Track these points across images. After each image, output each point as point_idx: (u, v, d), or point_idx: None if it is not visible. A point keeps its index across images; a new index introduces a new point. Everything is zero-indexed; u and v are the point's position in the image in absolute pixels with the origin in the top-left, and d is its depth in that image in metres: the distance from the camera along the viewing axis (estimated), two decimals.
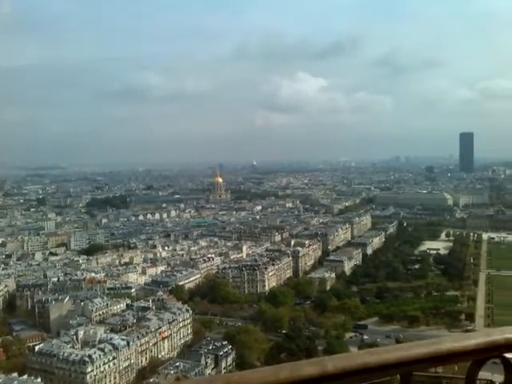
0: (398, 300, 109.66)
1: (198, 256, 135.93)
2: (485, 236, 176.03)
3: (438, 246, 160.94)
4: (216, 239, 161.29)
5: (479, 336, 2.55)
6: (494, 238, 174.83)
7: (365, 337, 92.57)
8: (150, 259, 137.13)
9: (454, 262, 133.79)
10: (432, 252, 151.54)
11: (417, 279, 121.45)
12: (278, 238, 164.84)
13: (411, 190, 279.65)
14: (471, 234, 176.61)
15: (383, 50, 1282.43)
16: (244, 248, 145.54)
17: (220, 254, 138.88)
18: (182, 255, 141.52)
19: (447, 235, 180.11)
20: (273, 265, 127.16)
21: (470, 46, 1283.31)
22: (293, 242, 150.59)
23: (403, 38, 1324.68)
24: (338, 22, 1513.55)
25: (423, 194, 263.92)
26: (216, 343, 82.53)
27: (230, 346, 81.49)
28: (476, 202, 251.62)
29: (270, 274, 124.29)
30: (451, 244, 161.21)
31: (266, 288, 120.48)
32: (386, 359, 2.28)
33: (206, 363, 76.33)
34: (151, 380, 66.62)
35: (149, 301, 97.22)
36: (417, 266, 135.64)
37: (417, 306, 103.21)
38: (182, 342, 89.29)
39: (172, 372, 70.02)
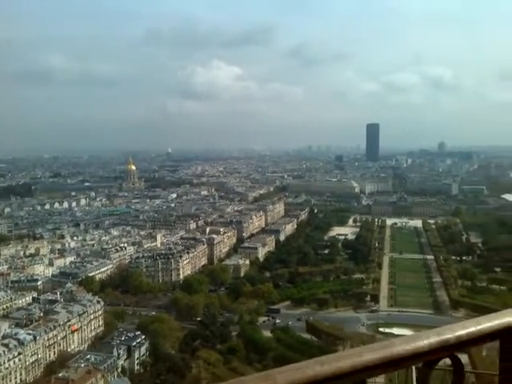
0: (309, 284, 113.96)
1: (110, 246, 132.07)
2: (388, 221, 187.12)
3: (346, 231, 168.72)
4: (129, 228, 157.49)
5: (431, 336, 2.47)
6: (396, 224, 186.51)
7: (277, 320, 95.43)
8: (58, 250, 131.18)
9: (361, 246, 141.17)
10: (340, 237, 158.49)
11: (326, 263, 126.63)
12: (193, 225, 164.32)
13: (322, 179, 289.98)
14: (376, 220, 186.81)
15: (295, 41, 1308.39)
16: (158, 237, 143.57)
17: (133, 244, 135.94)
18: (93, 245, 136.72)
19: (354, 221, 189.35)
20: (187, 253, 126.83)
21: (375, 42, 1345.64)
22: (208, 230, 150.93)
23: (314, 31, 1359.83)
24: (251, 11, 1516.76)
25: (333, 182, 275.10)
26: (129, 334, 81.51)
27: (143, 336, 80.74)
28: (381, 190, 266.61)
29: (185, 262, 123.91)
30: (358, 229, 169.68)
31: (181, 276, 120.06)
32: (339, 368, 2.14)
33: (119, 354, 75.08)
34: (60, 374, 64.36)
35: (57, 293, 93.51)
36: (326, 251, 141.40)
37: (326, 289, 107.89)
38: (93, 334, 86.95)
39: (82, 365, 68.24)
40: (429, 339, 2.44)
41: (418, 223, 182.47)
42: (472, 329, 2.59)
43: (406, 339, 2.42)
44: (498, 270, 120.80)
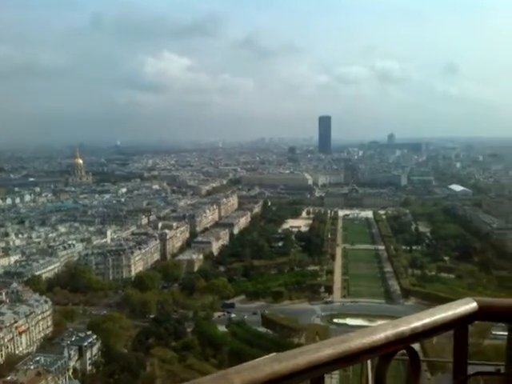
0: (264, 277, 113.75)
1: (57, 243, 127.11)
2: (341, 213, 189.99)
3: (300, 223, 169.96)
4: (77, 224, 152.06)
5: (387, 328, 2.47)
6: (348, 215, 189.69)
7: (232, 315, 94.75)
8: (2, 248, 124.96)
9: (314, 238, 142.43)
10: (294, 229, 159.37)
11: (280, 256, 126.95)
12: (144, 220, 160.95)
13: (275, 171, 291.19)
14: (329, 212, 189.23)
15: (247, 32, 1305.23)
16: (108, 232, 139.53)
17: (82, 240, 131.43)
18: (39, 243, 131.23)
19: (307, 213, 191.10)
20: (139, 249, 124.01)
21: (327, 35, 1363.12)
22: (160, 225, 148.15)
23: (266, 22, 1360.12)
24: (199, 0, 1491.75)
25: (286, 174, 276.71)
26: (79, 334, 78.75)
27: (94, 336, 78.18)
28: (333, 182, 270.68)
29: (137, 258, 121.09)
30: (311, 221, 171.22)
31: (133, 273, 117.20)
32: (296, 365, 2.10)
33: (70, 355, 72.43)
34: (9, 378, 61.57)
35: (1, 294, 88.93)
36: (280, 244, 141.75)
37: (281, 282, 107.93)
38: (42, 335, 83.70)
39: (32, 367, 65.49)
40: (385, 332, 2.45)
41: (369, 214, 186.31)
42: (427, 320, 2.63)
43: (363, 333, 2.43)
44: (446, 258, 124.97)
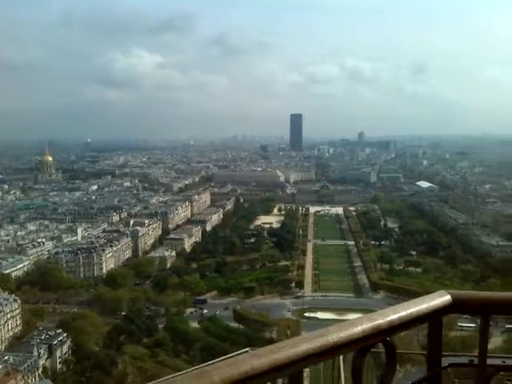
0: (236, 273, 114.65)
1: (27, 241, 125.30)
2: (312, 209, 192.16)
3: (272, 220, 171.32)
4: (47, 222, 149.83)
5: (364, 322, 2.47)
6: (319, 211, 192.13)
7: (205, 311, 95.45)
8: None
9: (285, 234, 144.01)
10: (266, 226, 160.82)
11: (252, 252, 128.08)
12: (116, 218, 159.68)
13: (247, 168, 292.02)
14: (300, 208, 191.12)
15: (217, 30, 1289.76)
16: (79, 230, 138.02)
17: (52, 238, 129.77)
18: (8, 241, 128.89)
19: (279, 210, 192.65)
20: (111, 246, 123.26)
21: (298, 34, 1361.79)
22: (132, 222, 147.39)
23: (236, 21, 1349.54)
24: None
25: (258, 171, 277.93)
26: (49, 332, 78.14)
27: (65, 334, 77.77)
28: (304, 179, 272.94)
29: (108, 256, 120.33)
30: (283, 218, 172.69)
31: (104, 271, 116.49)
32: (275, 360, 2.07)
33: (39, 354, 71.96)
34: None
35: None
36: (252, 240, 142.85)
37: (252, 278, 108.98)
38: (11, 334, 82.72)
39: (0, 366, 64.92)
40: (362, 325, 2.45)
41: (339, 210, 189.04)
42: (403, 313, 2.64)
43: (341, 326, 2.42)
44: (413, 253, 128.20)
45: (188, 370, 2.11)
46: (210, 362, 2.25)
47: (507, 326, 73.72)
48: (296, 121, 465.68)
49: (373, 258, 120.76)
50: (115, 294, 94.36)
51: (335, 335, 2.33)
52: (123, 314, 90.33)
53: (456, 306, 2.92)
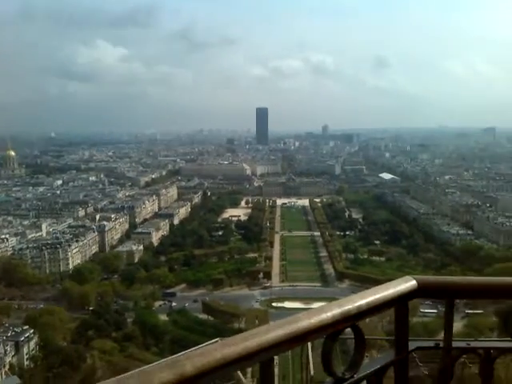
0: (204, 266, 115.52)
1: None
2: (279, 202, 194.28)
3: (239, 212, 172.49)
4: (10, 218, 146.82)
5: (333, 308, 2.54)
6: (286, 203, 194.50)
7: (173, 304, 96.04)
8: None
9: (253, 226, 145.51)
10: (234, 219, 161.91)
11: (220, 245, 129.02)
12: (81, 213, 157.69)
13: (214, 162, 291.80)
14: (267, 201, 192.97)
15: (182, 24, 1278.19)
16: (43, 226, 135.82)
17: (16, 234, 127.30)
18: None
19: (247, 203, 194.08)
20: (77, 241, 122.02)
21: (262, 28, 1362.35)
22: (98, 217, 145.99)
23: (201, 14, 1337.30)
24: None
25: (225, 165, 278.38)
26: (16, 329, 77.08)
27: (31, 330, 76.94)
28: (271, 172, 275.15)
29: (74, 251, 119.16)
30: (250, 210, 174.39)
31: (70, 266, 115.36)
32: (247, 347, 2.11)
33: (6, 351, 71.15)
34: None
35: None
36: (220, 233, 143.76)
37: (221, 270, 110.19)
38: None
39: None
40: (332, 311, 2.50)
41: (305, 202, 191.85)
42: (371, 298, 2.72)
43: (311, 313, 2.46)
44: (377, 242, 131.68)
45: (159, 361, 2.28)
46: (181, 353, 2.30)
47: (467, 311, 77.30)
48: (262, 114, 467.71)
49: (338, 248, 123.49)
50: (82, 289, 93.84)
51: (306, 321, 2.37)
52: (91, 308, 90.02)
53: (421, 291, 3.00)
